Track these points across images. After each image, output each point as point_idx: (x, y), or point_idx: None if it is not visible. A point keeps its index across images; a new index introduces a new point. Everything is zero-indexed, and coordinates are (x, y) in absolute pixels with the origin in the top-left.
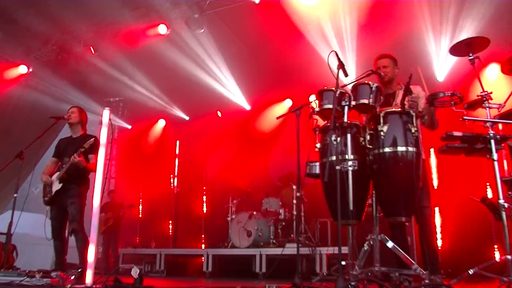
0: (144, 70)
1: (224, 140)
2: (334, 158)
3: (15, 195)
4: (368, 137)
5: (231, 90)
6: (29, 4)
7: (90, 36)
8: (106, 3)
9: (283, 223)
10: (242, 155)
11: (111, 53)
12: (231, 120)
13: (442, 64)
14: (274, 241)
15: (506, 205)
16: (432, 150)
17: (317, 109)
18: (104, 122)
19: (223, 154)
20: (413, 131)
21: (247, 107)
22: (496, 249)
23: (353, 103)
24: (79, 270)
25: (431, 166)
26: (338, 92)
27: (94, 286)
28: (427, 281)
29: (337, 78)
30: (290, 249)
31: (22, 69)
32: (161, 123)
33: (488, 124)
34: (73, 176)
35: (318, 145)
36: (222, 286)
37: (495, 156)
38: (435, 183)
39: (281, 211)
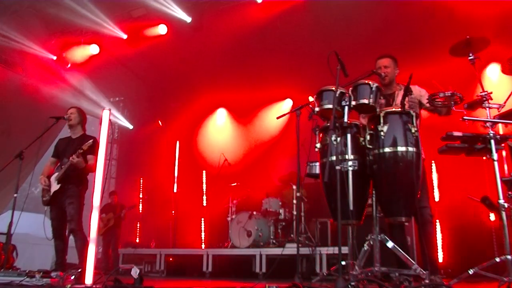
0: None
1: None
2: (334, 158)
3: (15, 195)
4: (368, 137)
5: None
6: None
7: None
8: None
9: (283, 223)
10: (242, 155)
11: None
12: (231, 120)
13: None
14: (274, 241)
15: (506, 205)
16: (432, 150)
17: (317, 109)
18: (104, 122)
19: (223, 154)
20: (413, 131)
21: (246, 107)
22: (495, 249)
23: (353, 103)
24: (79, 270)
25: (431, 166)
26: (338, 92)
27: (94, 286)
28: (427, 281)
29: (337, 78)
30: (290, 249)
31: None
32: (161, 123)
33: (488, 124)
34: (71, 176)
35: (318, 145)
36: (222, 286)
37: (495, 156)
38: (435, 183)
39: (281, 211)
